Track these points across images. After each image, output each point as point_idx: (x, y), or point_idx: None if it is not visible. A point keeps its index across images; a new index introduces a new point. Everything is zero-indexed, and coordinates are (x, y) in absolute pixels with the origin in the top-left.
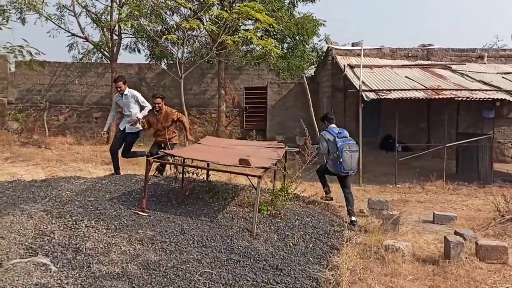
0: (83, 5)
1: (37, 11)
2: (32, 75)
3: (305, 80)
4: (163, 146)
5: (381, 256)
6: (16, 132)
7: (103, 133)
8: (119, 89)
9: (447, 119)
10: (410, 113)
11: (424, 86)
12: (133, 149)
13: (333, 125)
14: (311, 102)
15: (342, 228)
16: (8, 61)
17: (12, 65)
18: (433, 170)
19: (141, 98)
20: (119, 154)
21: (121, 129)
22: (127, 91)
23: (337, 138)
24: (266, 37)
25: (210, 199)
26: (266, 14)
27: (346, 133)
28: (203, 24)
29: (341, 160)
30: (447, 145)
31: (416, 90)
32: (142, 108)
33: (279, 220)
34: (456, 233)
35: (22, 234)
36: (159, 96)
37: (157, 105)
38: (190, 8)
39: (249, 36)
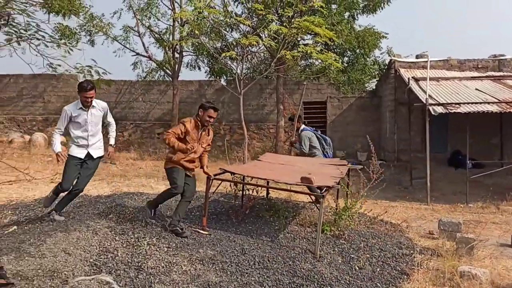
0: (146, 25)
1: (105, 32)
2: (99, 93)
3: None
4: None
5: (456, 283)
6: None
7: (60, 154)
8: (89, 99)
9: None
10: (481, 128)
11: (497, 99)
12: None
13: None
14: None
15: (412, 251)
16: (78, 80)
17: None
18: (508, 189)
19: (109, 112)
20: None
21: (82, 157)
22: (95, 102)
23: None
24: (326, 51)
25: (271, 218)
26: (326, 28)
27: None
28: (261, 40)
29: None
30: None
31: (489, 103)
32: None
33: (343, 242)
34: None
35: (87, 250)
36: (214, 106)
37: (210, 120)
38: (249, 25)
39: (308, 51)
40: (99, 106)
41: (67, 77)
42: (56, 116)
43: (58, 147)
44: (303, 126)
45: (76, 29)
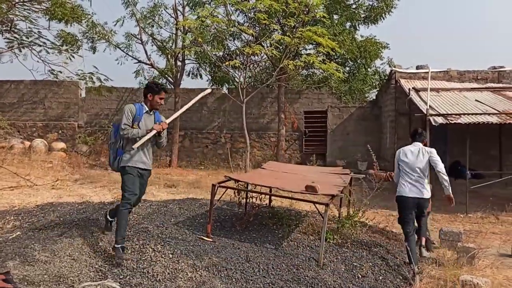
0: (149, 33)
1: (107, 40)
2: (100, 100)
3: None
4: None
5: None
6: (85, 155)
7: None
8: (161, 103)
9: None
10: (480, 139)
11: (497, 110)
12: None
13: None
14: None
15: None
16: (80, 87)
17: (83, 91)
18: (507, 199)
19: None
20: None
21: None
22: None
23: None
24: (328, 60)
25: (274, 226)
26: (328, 38)
27: None
28: (264, 49)
29: None
30: None
31: (488, 114)
32: None
33: (346, 250)
34: None
35: (92, 256)
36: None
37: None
38: (252, 34)
39: (311, 61)
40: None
41: (68, 83)
42: (57, 122)
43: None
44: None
45: (78, 36)
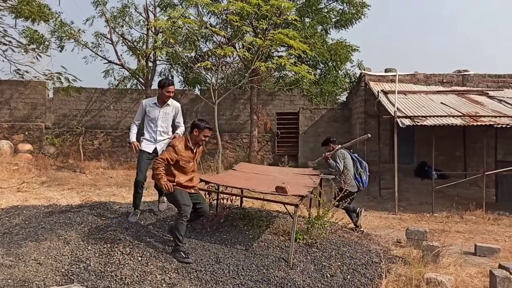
0: (119, 33)
1: (76, 39)
2: (69, 100)
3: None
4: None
5: None
6: (52, 157)
7: (134, 144)
8: (168, 95)
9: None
10: (445, 140)
11: (461, 113)
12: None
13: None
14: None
15: (381, 259)
16: (47, 87)
17: (50, 91)
18: (471, 199)
19: (181, 114)
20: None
21: (150, 151)
22: (170, 101)
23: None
24: (299, 63)
25: (245, 227)
26: (299, 40)
27: None
28: (236, 50)
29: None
30: (486, 173)
31: (453, 116)
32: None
33: (316, 250)
34: (501, 266)
35: (58, 260)
36: (209, 126)
37: (205, 139)
38: (224, 36)
39: (282, 63)
40: (173, 105)
41: (35, 83)
42: (23, 123)
43: (133, 137)
44: (338, 146)
45: (44, 36)
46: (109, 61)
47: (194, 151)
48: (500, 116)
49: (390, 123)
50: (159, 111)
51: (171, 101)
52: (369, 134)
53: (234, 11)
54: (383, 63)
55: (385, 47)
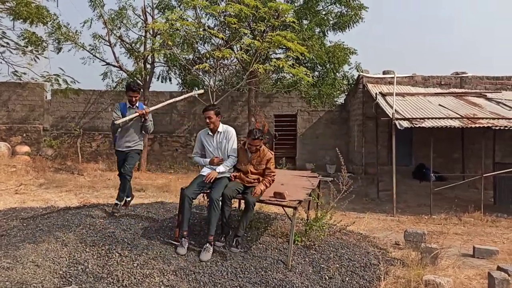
0: (117, 35)
1: (73, 41)
2: (67, 102)
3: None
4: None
5: None
6: (50, 159)
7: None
8: (212, 123)
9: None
10: (443, 142)
11: (459, 115)
12: None
13: None
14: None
15: (379, 261)
16: (45, 89)
17: (48, 93)
18: (469, 201)
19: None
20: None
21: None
22: (221, 126)
23: None
24: (297, 65)
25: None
26: (297, 43)
27: None
28: (234, 52)
29: None
30: (484, 175)
31: (451, 118)
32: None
33: (314, 252)
34: (499, 268)
35: (56, 262)
36: (256, 137)
37: (252, 147)
38: (222, 38)
39: (280, 65)
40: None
41: (33, 85)
42: (21, 125)
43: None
44: None
45: (42, 38)
46: (107, 63)
47: (249, 155)
48: (498, 118)
49: (388, 125)
50: (213, 140)
51: (222, 127)
52: (202, 90)
53: (232, 13)
54: (380, 64)
55: (381, 49)
